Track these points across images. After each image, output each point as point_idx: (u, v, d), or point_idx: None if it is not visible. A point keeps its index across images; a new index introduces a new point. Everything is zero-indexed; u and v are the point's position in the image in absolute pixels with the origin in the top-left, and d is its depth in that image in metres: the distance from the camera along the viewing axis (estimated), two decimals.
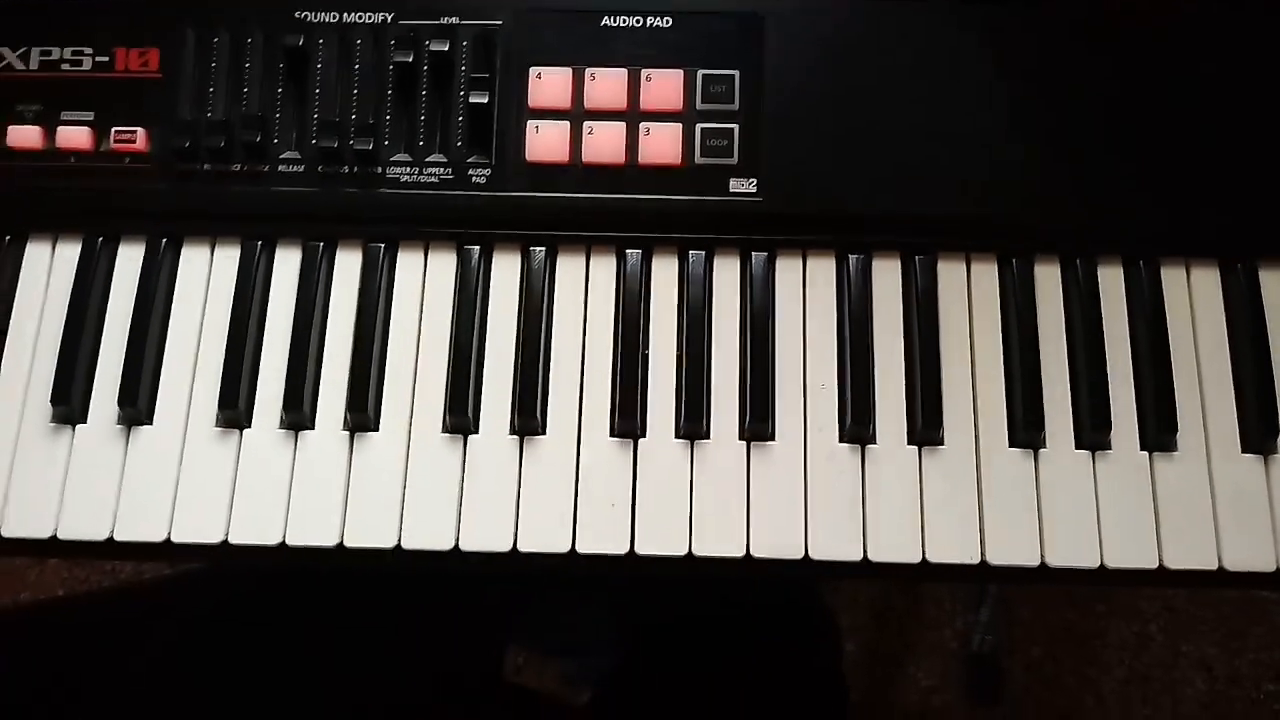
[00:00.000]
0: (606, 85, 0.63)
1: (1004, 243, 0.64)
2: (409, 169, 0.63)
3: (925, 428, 0.60)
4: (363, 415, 0.61)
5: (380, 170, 0.63)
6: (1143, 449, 0.61)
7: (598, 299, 0.63)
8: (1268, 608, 1.39)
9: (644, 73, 0.63)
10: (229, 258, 0.64)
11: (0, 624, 0.89)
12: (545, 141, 0.63)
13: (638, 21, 0.64)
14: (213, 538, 0.60)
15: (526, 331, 0.62)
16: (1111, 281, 0.63)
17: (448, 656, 0.88)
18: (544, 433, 0.61)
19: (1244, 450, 0.61)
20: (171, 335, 0.63)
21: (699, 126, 0.63)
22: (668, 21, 0.64)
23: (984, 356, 0.62)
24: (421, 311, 0.63)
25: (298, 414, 0.61)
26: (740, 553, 0.59)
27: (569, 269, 0.64)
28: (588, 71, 0.63)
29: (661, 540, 0.59)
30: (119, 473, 0.61)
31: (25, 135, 0.63)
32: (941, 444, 0.61)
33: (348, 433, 0.61)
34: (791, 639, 0.91)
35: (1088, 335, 0.62)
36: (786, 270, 0.64)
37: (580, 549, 0.59)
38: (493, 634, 0.98)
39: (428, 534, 0.60)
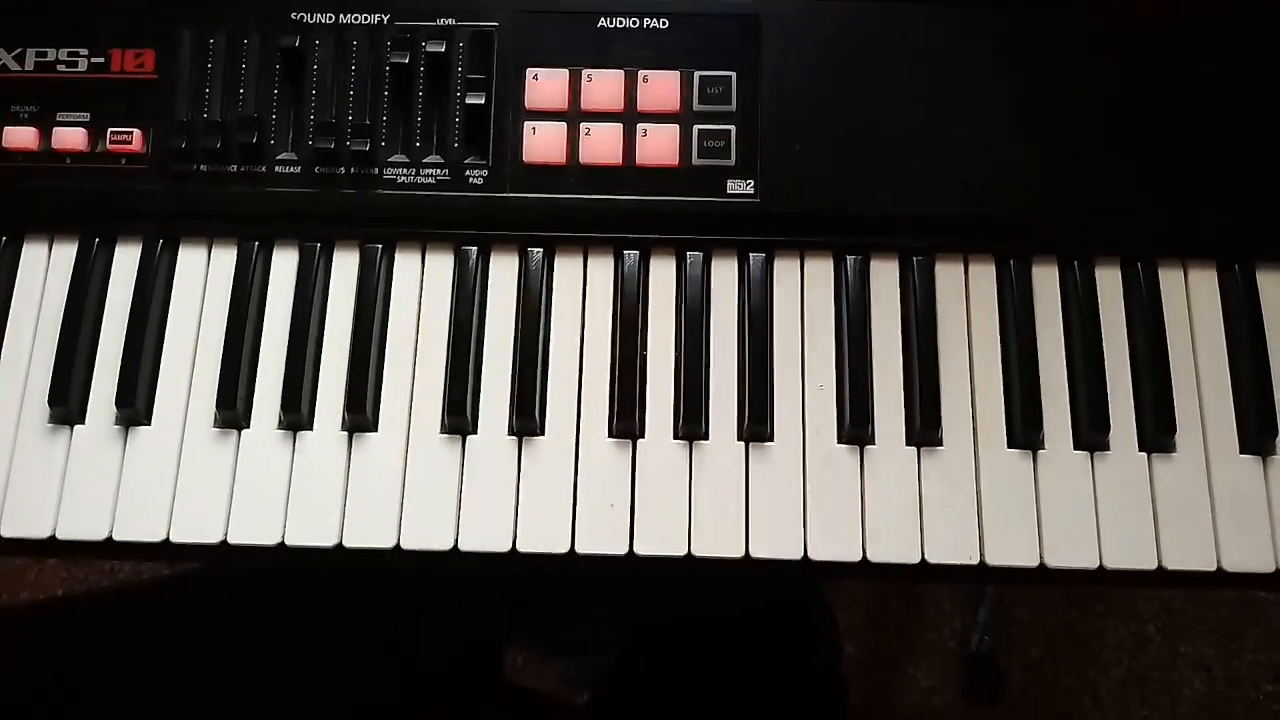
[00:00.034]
0: (603, 86, 0.63)
1: (1002, 244, 0.64)
2: (406, 170, 0.63)
3: (924, 429, 0.60)
4: (361, 416, 0.61)
5: (377, 171, 0.63)
6: (1141, 450, 0.61)
7: (596, 300, 0.63)
8: (1266, 608, 1.39)
9: (641, 74, 0.63)
10: (226, 258, 0.64)
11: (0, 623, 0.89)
12: (542, 142, 0.63)
13: (634, 23, 0.64)
14: (211, 538, 0.60)
15: (524, 332, 0.62)
16: (1110, 283, 0.63)
17: (448, 656, 0.88)
18: (542, 433, 0.61)
19: (1242, 451, 0.61)
20: (169, 336, 0.63)
21: (696, 128, 0.63)
22: (664, 23, 0.64)
23: (982, 357, 0.62)
24: (419, 312, 0.63)
25: (296, 414, 0.61)
26: (739, 553, 0.59)
27: (567, 270, 0.64)
28: (584, 73, 0.63)
29: (660, 540, 0.59)
30: (117, 473, 0.61)
31: (21, 136, 0.63)
32: (940, 445, 0.61)
33: (346, 433, 0.61)
34: (791, 639, 0.91)
35: (1086, 336, 0.62)
36: (784, 271, 0.64)
37: (579, 549, 0.59)
38: (493, 634, 0.98)
39: (427, 534, 0.60)
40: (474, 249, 0.63)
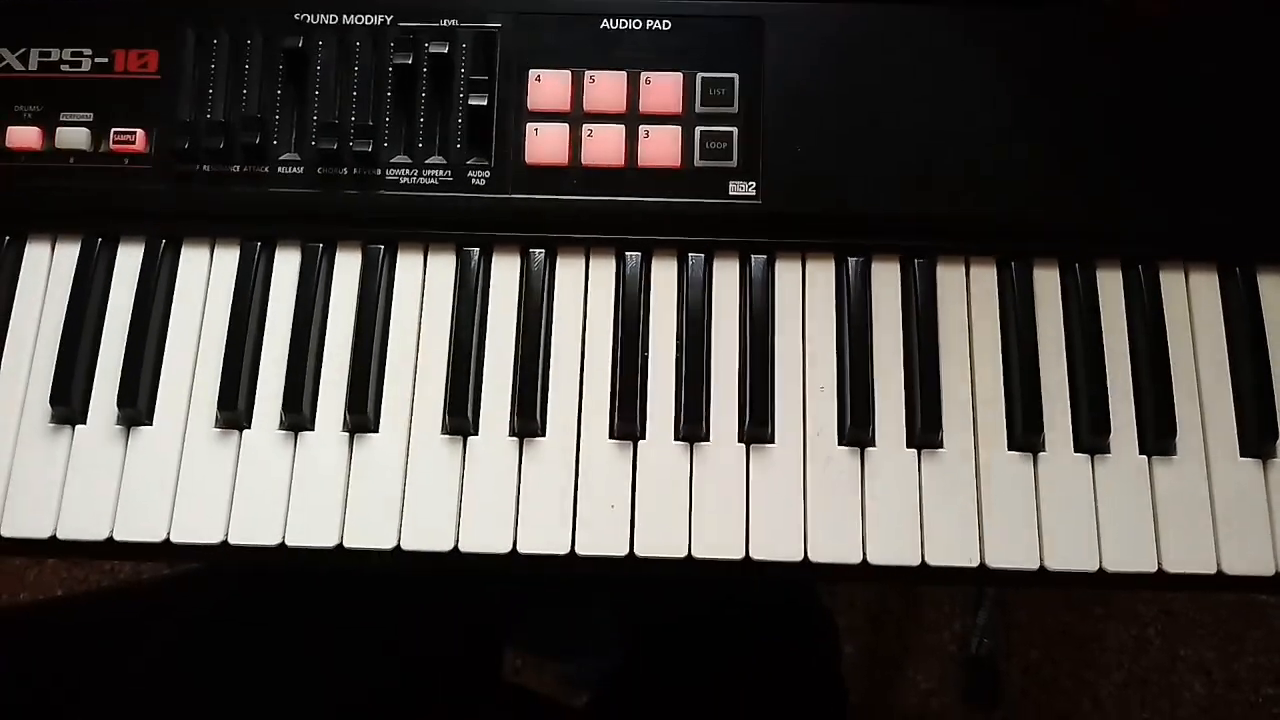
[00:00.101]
0: (606, 88, 0.63)
1: (1003, 245, 0.64)
2: (408, 171, 0.63)
3: (924, 430, 0.60)
4: (362, 416, 0.61)
5: (380, 172, 0.63)
6: (1141, 452, 0.61)
7: (597, 301, 0.63)
8: (1266, 611, 1.39)
9: (643, 75, 0.63)
10: (228, 259, 0.64)
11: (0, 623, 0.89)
12: (544, 144, 0.63)
13: (637, 24, 0.64)
14: (212, 538, 0.60)
15: (526, 333, 0.62)
16: (1111, 285, 0.63)
17: (448, 657, 0.88)
18: (543, 434, 0.61)
19: (1242, 454, 0.61)
20: (171, 336, 0.63)
21: (698, 129, 0.63)
22: (667, 24, 0.64)
23: (983, 360, 0.62)
24: (421, 313, 0.63)
25: (297, 415, 0.61)
26: (739, 555, 0.59)
27: (568, 271, 0.64)
28: (587, 74, 0.63)
29: (661, 542, 0.59)
30: (118, 473, 0.61)
31: (24, 136, 0.63)
32: (940, 447, 0.61)
33: (347, 434, 0.61)
34: (791, 641, 0.91)
35: (1087, 339, 0.62)
36: (786, 273, 0.64)
37: (580, 550, 0.59)
38: (493, 635, 0.98)
39: (427, 535, 0.60)
40: (476, 250, 0.64)
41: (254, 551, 0.60)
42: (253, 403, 0.62)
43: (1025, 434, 0.60)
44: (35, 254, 0.65)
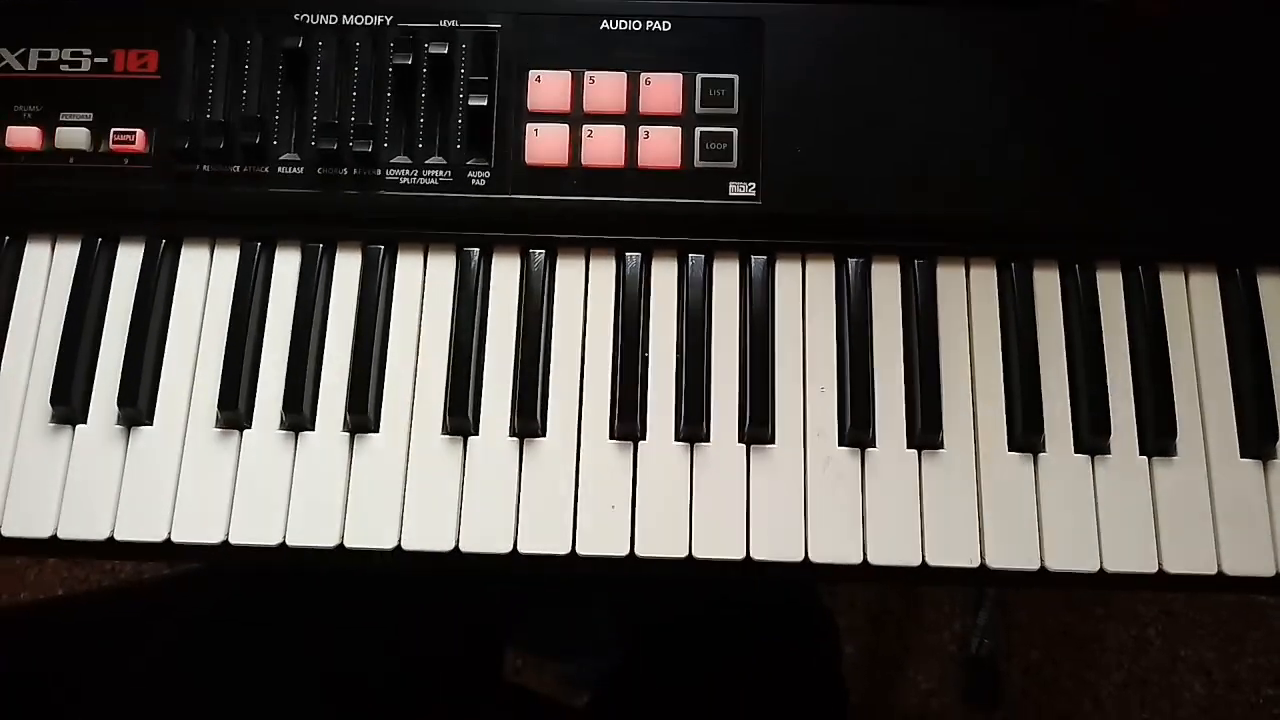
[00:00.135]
0: (606, 88, 0.63)
1: (1003, 246, 0.64)
2: (408, 171, 0.63)
3: (925, 431, 0.60)
4: (363, 416, 0.61)
5: (380, 172, 0.63)
6: (1142, 453, 0.61)
7: (597, 301, 0.63)
8: (1266, 612, 1.39)
9: (643, 76, 0.63)
10: (228, 259, 0.64)
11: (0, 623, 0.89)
12: (544, 144, 0.63)
13: (637, 25, 0.64)
14: (213, 538, 0.60)
15: (526, 333, 0.62)
16: (1111, 286, 0.63)
17: (448, 657, 0.88)
18: (544, 435, 0.61)
19: (1243, 455, 0.61)
20: (171, 336, 0.63)
21: (698, 130, 0.63)
22: (667, 25, 0.64)
23: (983, 360, 0.62)
24: (421, 313, 0.63)
25: (298, 415, 0.61)
26: (740, 555, 0.59)
27: (569, 272, 0.64)
28: (587, 75, 0.63)
29: (661, 542, 0.59)
30: (119, 473, 0.61)
31: (24, 136, 0.63)
32: (941, 447, 0.61)
33: (348, 434, 0.61)
34: (791, 641, 0.91)
35: (1087, 340, 0.62)
36: (786, 274, 0.64)
37: (580, 551, 0.59)
38: (493, 635, 0.98)
39: (428, 535, 0.60)
40: (476, 250, 0.64)
41: (255, 551, 0.60)
42: (253, 403, 0.62)
43: (1025, 434, 0.60)
44: (35, 254, 0.65)
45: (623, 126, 0.63)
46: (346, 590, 0.83)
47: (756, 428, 0.60)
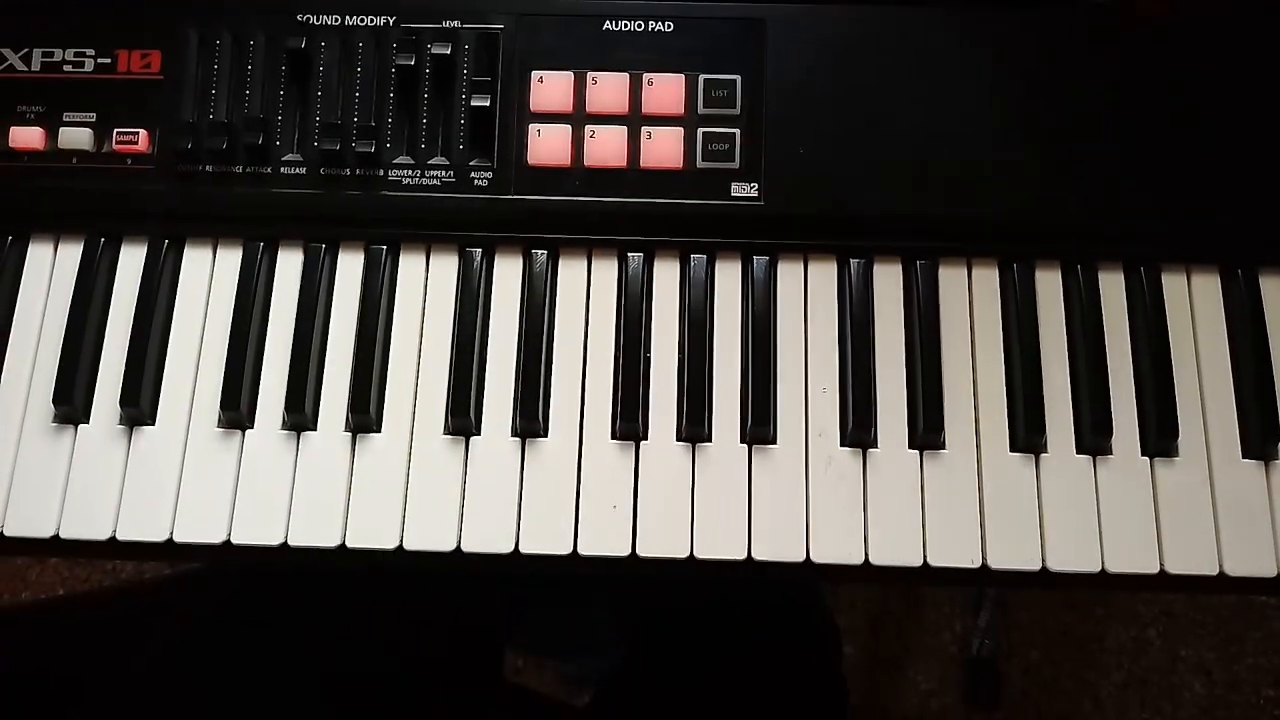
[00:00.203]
0: (608, 89, 0.63)
1: (1005, 247, 0.64)
2: (411, 172, 0.63)
3: (926, 431, 0.60)
4: (365, 417, 0.61)
5: (382, 173, 0.63)
6: (1143, 454, 0.61)
7: (599, 302, 0.63)
8: (1266, 613, 1.40)
9: (645, 77, 0.63)
10: (231, 259, 0.64)
11: (0, 623, 0.89)
12: (547, 145, 0.63)
13: (639, 25, 0.64)
14: (215, 538, 0.60)
15: (528, 334, 0.62)
16: (1112, 287, 0.63)
17: (448, 657, 0.88)
18: (546, 435, 0.61)
19: (1244, 456, 0.61)
20: (174, 336, 0.63)
21: (700, 130, 0.63)
22: (669, 26, 0.64)
23: (985, 361, 0.62)
24: (424, 314, 0.63)
25: (300, 415, 0.61)
26: (742, 555, 0.59)
27: (571, 272, 0.64)
28: (589, 75, 0.64)
29: (663, 542, 0.59)
30: (121, 472, 0.61)
31: (27, 136, 0.63)
32: (943, 448, 0.61)
33: (350, 434, 0.61)
34: (791, 641, 0.91)
35: (1089, 340, 0.62)
36: (788, 274, 0.64)
37: (582, 551, 0.59)
38: (493, 635, 0.98)
39: (430, 535, 0.60)
40: (478, 251, 0.64)
41: (256, 551, 0.60)
42: (255, 403, 0.62)
43: (1027, 435, 0.60)
44: (38, 254, 0.65)
45: (625, 127, 0.63)
46: (346, 590, 0.83)
47: (758, 428, 0.60)
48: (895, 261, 0.64)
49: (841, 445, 0.61)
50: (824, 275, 0.64)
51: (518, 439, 0.61)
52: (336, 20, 0.64)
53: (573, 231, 0.63)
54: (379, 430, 0.61)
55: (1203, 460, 0.61)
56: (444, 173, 0.63)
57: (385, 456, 0.61)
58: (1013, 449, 0.61)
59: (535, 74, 0.64)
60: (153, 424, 0.62)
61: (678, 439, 0.61)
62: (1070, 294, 0.63)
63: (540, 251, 0.63)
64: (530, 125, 0.63)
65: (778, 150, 0.63)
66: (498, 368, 0.62)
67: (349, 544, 0.60)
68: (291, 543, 0.60)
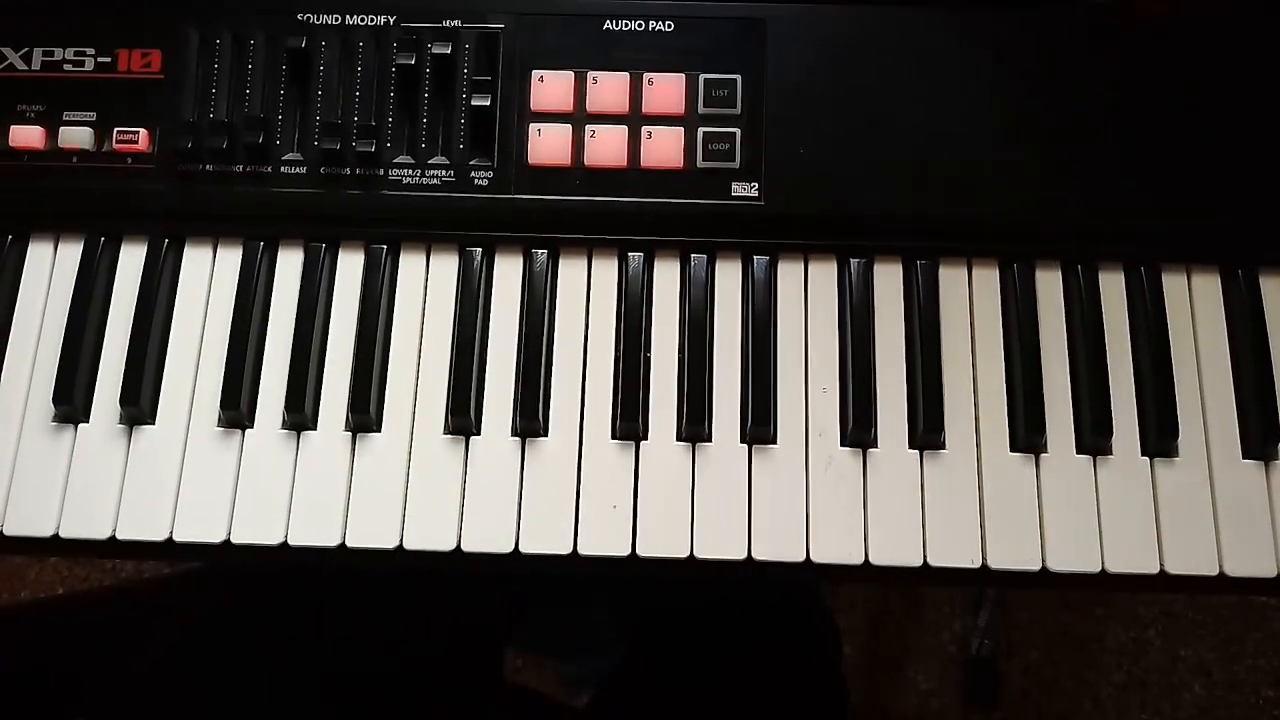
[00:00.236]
0: (608, 89, 0.63)
1: (1005, 247, 0.64)
2: (411, 171, 0.63)
3: (926, 431, 0.60)
4: (365, 416, 0.61)
5: (382, 172, 0.63)
6: (1144, 454, 0.61)
7: (600, 301, 0.63)
8: (1266, 613, 1.40)
9: (646, 76, 0.63)
10: (231, 258, 0.64)
11: (0, 622, 0.89)
12: (547, 144, 0.63)
13: (639, 25, 0.64)
14: (215, 537, 0.60)
15: (528, 333, 0.62)
16: (1113, 287, 0.63)
17: (448, 657, 0.88)
18: (546, 434, 0.61)
19: (1245, 456, 0.61)
20: (174, 335, 0.63)
21: (701, 130, 0.63)
22: (669, 25, 0.64)
23: (985, 361, 0.62)
24: (424, 313, 0.63)
25: (300, 414, 0.61)
26: (742, 555, 0.59)
27: (571, 271, 0.64)
28: (589, 75, 0.64)
29: (663, 542, 0.59)
30: (121, 472, 0.61)
31: (27, 135, 0.63)
32: (943, 448, 0.61)
33: (350, 433, 0.61)
34: (791, 641, 0.91)
35: (1089, 340, 0.62)
36: (788, 274, 0.64)
37: (582, 550, 0.59)
38: (493, 635, 0.98)
39: (430, 535, 0.60)
40: (479, 250, 0.64)
41: (256, 551, 0.60)
42: (255, 402, 0.62)
43: (1027, 435, 0.60)
44: (38, 253, 0.65)
45: (625, 127, 0.63)
46: (346, 590, 0.83)
47: (758, 428, 0.60)
48: (895, 261, 0.64)
49: (841, 445, 0.61)
50: (824, 275, 0.64)
51: (518, 439, 0.61)
52: (337, 20, 0.64)
53: (573, 231, 0.63)
54: (379, 430, 0.61)
55: (1203, 460, 0.61)
56: (444, 172, 0.63)
57: (385, 456, 0.61)
58: (1013, 449, 0.61)
59: (536, 73, 0.64)
60: (153, 423, 0.62)
61: (678, 439, 0.61)
62: (1070, 294, 0.63)
63: (540, 251, 0.63)
64: (530, 125, 0.63)
65: (778, 150, 0.63)
66: (498, 367, 0.62)
67: (349, 543, 0.60)
68: (291, 542, 0.60)
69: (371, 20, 0.64)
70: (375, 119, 0.63)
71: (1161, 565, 0.59)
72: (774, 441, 0.61)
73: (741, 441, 0.61)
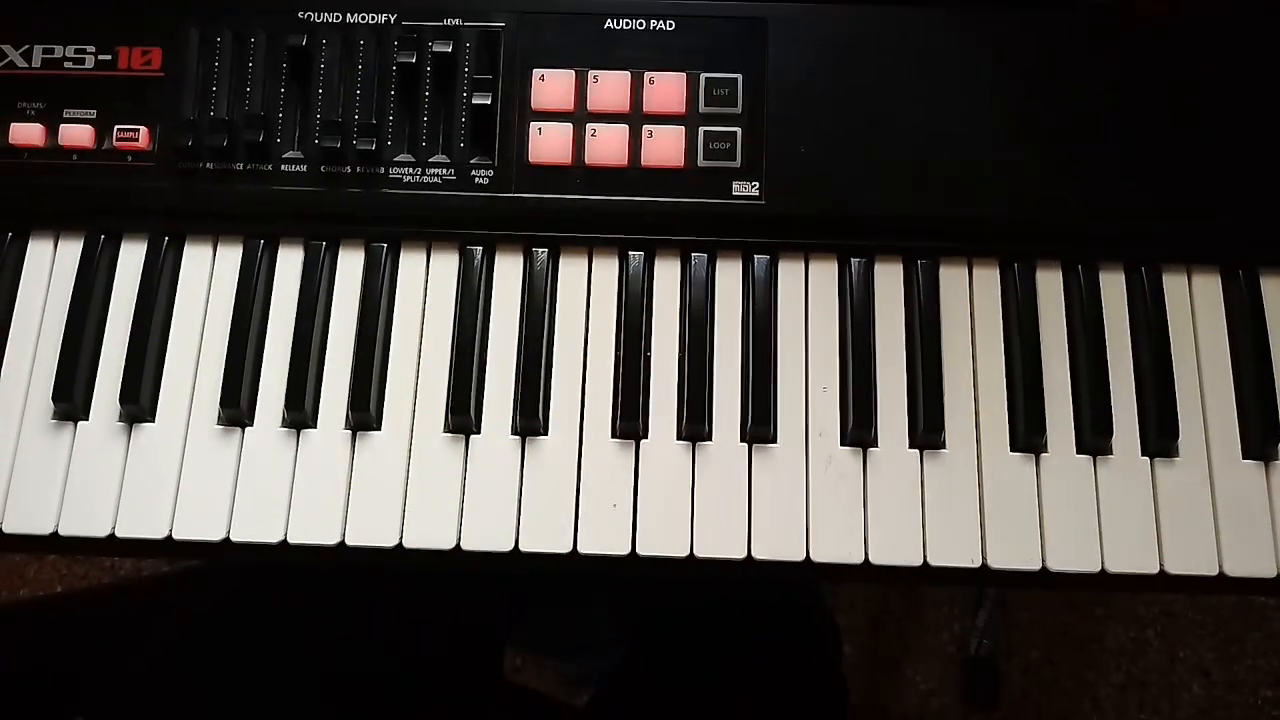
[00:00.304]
0: (609, 87, 0.63)
1: (1006, 247, 0.64)
2: (412, 169, 0.63)
3: (927, 431, 0.60)
4: (365, 414, 0.61)
5: (383, 170, 0.63)
6: (1144, 454, 0.61)
7: (600, 300, 0.63)
8: (1266, 613, 1.40)
9: (647, 75, 0.63)
10: (231, 256, 0.64)
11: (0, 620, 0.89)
12: (548, 143, 0.63)
13: (640, 24, 0.64)
14: (214, 535, 0.60)
15: (529, 332, 0.62)
16: (1113, 287, 0.63)
17: (448, 656, 0.88)
18: (546, 433, 0.61)
19: (1245, 456, 0.61)
20: (173, 333, 0.63)
21: (702, 129, 0.63)
22: (670, 24, 0.64)
23: (985, 360, 0.62)
24: (424, 311, 0.63)
25: (300, 413, 0.61)
26: (742, 554, 0.59)
27: (571, 270, 0.64)
28: (590, 74, 0.64)
29: (663, 541, 0.59)
30: (120, 470, 0.61)
31: (28, 133, 0.63)
32: (943, 447, 0.61)
33: (350, 432, 0.61)
34: (791, 641, 0.91)
35: (1089, 340, 0.62)
36: (788, 273, 0.64)
37: (582, 549, 0.59)
38: (493, 634, 0.98)
39: (429, 533, 0.60)
40: (479, 249, 0.64)
41: (256, 549, 0.60)
42: (255, 400, 0.62)
43: (1028, 435, 0.60)
44: (38, 251, 0.65)
45: (626, 126, 0.63)
46: (346, 590, 0.83)
47: (758, 427, 0.60)
48: (896, 261, 0.64)
49: (842, 444, 0.61)
50: (825, 274, 0.64)
51: (518, 437, 0.61)
52: (337, 18, 0.64)
53: (573, 230, 0.63)
54: (379, 428, 0.61)
55: (1203, 460, 0.61)
56: (445, 171, 0.63)
57: (385, 454, 0.61)
58: (1013, 448, 0.61)
59: (536, 72, 0.64)
60: (152, 421, 0.62)
61: (678, 438, 0.61)
62: (1071, 294, 0.63)
63: (541, 250, 0.63)
64: (531, 123, 0.63)
65: (779, 149, 0.63)
66: (498, 366, 0.62)
67: (349, 541, 0.60)
68: (291, 540, 0.60)
69: (372, 18, 0.64)
70: (376, 117, 0.63)
71: (1161, 565, 0.59)
72: (774, 441, 0.61)
73: (741, 441, 0.61)
